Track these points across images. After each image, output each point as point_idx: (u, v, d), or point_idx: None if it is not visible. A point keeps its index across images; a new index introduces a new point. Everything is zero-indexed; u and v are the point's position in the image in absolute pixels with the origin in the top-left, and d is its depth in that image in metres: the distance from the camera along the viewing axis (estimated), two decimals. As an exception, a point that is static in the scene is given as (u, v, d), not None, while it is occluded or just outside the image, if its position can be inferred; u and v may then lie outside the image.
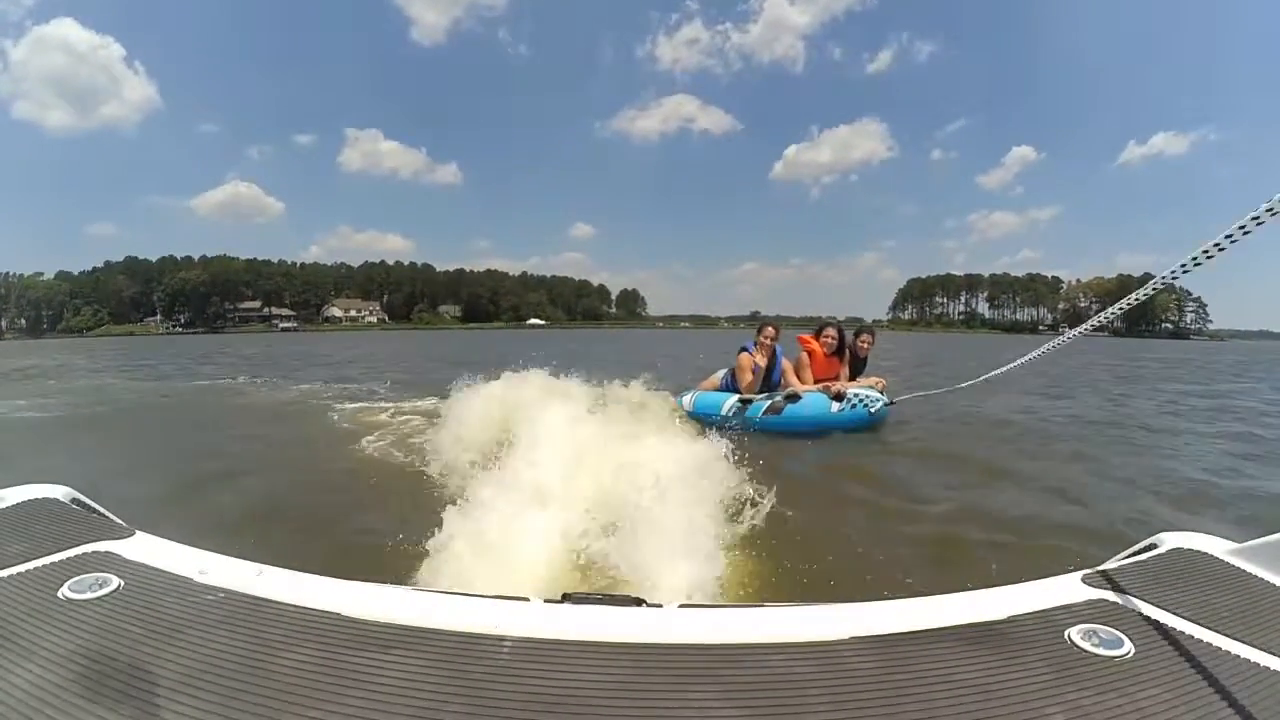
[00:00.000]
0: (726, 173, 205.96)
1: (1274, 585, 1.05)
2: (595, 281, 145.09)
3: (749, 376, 5.72)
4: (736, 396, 5.59)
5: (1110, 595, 1.03)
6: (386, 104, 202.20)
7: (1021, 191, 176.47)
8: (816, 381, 5.80)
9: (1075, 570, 1.12)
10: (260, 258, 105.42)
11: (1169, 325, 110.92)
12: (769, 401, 5.41)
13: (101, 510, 1.39)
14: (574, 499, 2.71)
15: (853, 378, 6.03)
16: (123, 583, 1.01)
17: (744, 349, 5.83)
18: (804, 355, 5.95)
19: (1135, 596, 1.02)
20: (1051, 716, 0.74)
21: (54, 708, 0.72)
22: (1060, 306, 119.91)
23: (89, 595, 0.97)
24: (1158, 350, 35.50)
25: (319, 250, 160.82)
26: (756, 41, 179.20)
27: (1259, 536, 1.14)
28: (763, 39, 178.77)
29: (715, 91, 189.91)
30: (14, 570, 1.04)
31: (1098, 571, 1.12)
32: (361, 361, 17.71)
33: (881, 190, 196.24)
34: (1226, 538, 1.21)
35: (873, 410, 5.40)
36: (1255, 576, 1.08)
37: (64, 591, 0.97)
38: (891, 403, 5.69)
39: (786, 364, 5.95)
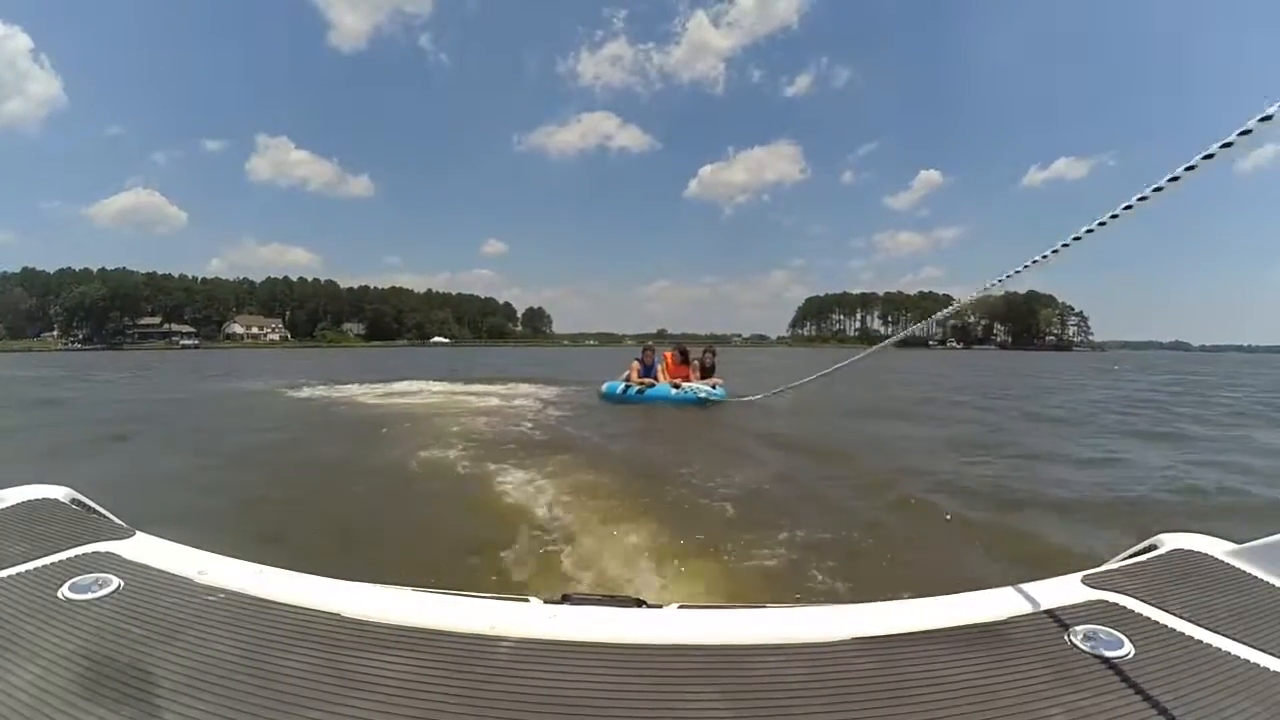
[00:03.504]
0: (642, 191, 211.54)
1: (1274, 586, 1.05)
2: (504, 298, 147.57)
3: (634, 374, 10.00)
4: (625, 384, 9.83)
5: (1110, 596, 1.02)
6: (299, 110, 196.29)
7: (928, 213, 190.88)
8: (672, 378, 9.89)
9: (1075, 571, 1.12)
10: (160, 271, 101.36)
11: (1053, 337, 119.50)
12: (638, 387, 9.66)
13: (101, 510, 1.39)
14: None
15: (704, 377, 10.12)
16: (123, 583, 1.01)
17: (637, 359, 10.21)
18: (664, 362, 10.25)
19: (1135, 597, 1.01)
20: (1052, 718, 0.74)
21: (54, 708, 0.72)
22: (950, 323, 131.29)
23: (89, 595, 0.96)
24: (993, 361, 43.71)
25: (220, 264, 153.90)
26: (678, 62, 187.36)
27: (1259, 537, 1.14)
28: (684, 60, 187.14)
29: (635, 110, 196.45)
30: (14, 570, 1.04)
31: (1098, 572, 1.12)
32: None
33: (793, 210, 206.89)
34: (1226, 538, 1.22)
35: (700, 395, 9.38)
36: (1255, 577, 1.07)
37: (64, 591, 0.97)
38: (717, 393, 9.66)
39: (659, 367, 10.10)
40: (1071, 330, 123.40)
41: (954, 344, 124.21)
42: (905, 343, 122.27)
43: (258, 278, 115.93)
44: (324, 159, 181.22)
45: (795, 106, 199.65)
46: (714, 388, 9.75)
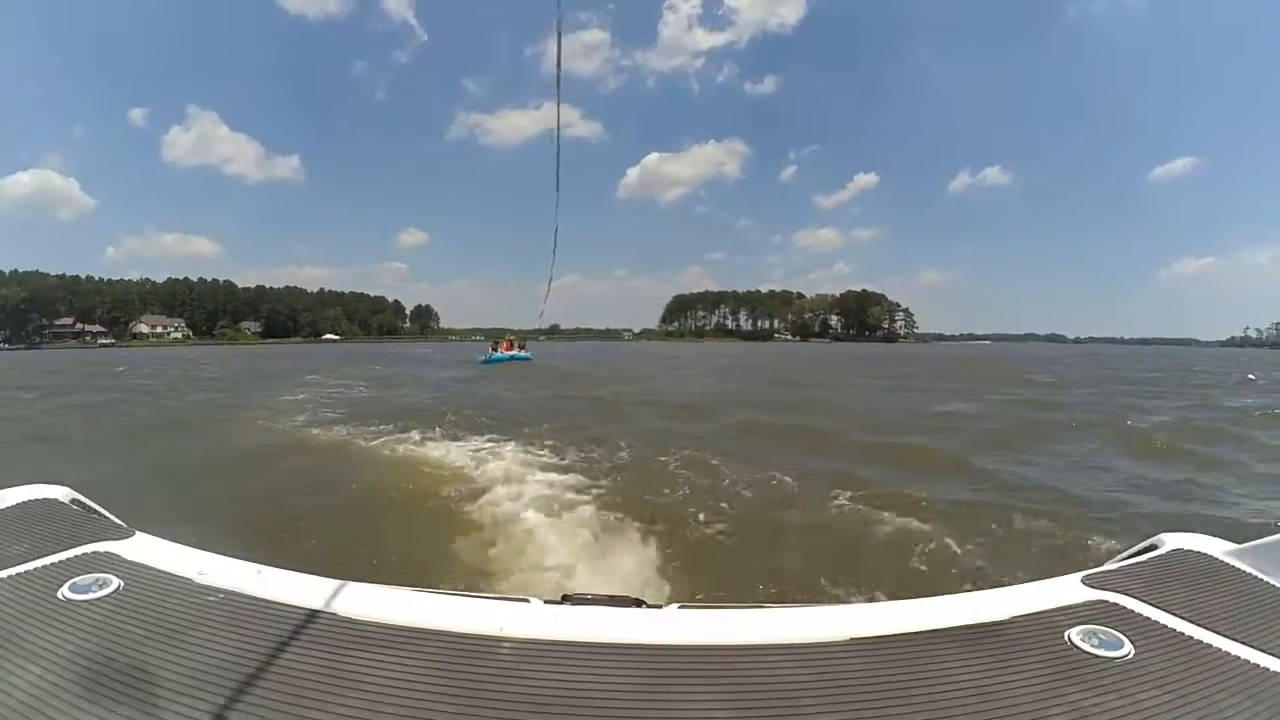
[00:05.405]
0: (583, 184, 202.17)
1: (1273, 586, 1.06)
2: (412, 291, 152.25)
3: (501, 350, 31.02)
4: (493, 353, 30.40)
5: (1110, 596, 1.02)
6: (233, 81, 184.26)
7: (857, 212, 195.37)
8: (507, 350, 30.85)
9: (1075, 571, 1.12)
10: (57, 267, 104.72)
11: (882, 331, 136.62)
12: (497, 355, 30.17)
13: (101, 510, 1.40)
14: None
15: (520, 349, 31.19)
16: (123, 583, 1.01)
17: (493, 344, 31.46)
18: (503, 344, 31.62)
19: (1135, 597, 1.01)
20: (1052, 717, 0.74)
21: (54, 708, 0.72)
22: (789, 318, 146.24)
23: (89, 596, 0.96)
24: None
25: (115, 253, 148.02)
26: (648, 57, 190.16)
27: (1259, 537, 1.15)
28: (659, 55, 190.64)
29: (592, 101, 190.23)
30: (14, 570, 1.03)
31: (1098, 572, 1.13)
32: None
33: (725, 206, 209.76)
34: (1226, 539, 1.22)
35: (520, 357, 29.60)
36: (1254, 577, 1.08)
37: (64, 592, 0.97)
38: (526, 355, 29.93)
39: (501, 347, 31.18)
40: (899, 324, 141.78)
41: (787, 336, 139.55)
42: (748, 336, 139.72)
43: (156, 269, 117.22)
44: (248, 136, 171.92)
45: (755, 105, 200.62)
46: (522, 352, 29.57)
